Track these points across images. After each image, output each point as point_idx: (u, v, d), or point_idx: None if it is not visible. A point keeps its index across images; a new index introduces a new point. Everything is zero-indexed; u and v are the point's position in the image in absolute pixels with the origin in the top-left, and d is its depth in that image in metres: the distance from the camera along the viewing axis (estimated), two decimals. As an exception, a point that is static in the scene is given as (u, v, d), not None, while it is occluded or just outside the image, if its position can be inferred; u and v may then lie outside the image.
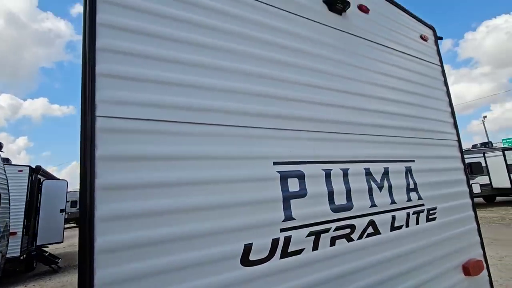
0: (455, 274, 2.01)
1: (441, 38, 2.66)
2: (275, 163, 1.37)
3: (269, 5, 1.56)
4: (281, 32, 1.57)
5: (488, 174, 13.32)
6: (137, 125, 1.07)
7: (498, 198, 14.94)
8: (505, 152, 13.15)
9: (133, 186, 1.02)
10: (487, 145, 15.92)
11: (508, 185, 12.79)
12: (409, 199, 1.88)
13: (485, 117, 34.45)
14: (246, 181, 1.26)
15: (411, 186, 1.93)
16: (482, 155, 13.67)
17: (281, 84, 1.49)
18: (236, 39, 1.39)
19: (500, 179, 13.02)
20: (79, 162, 0.96)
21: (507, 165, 12.85)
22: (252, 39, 1.44)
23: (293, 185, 1.40)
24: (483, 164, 13.26)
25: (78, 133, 0.97)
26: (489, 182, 13.23)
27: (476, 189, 12.47)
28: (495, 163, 13.22)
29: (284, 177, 1.37)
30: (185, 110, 1.18)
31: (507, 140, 30.48)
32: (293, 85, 1.54)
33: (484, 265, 2.22)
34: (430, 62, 2.48)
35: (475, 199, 2.49)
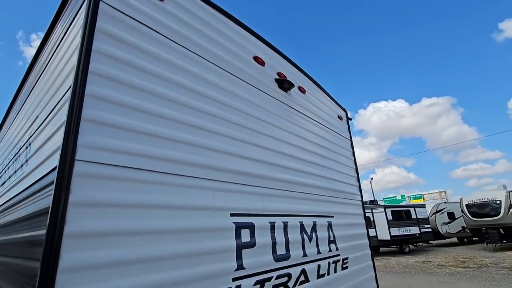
0: (361, 317, 2.37)
1: (351, 119, 3.45)
2: (232, 215, 1.51)
3: (237, 77, 1.85)
4: (243, 99, 1.85)
5: (375, 228, 15.86)
6: (115, 172, 1.09)
7: (382, 249, 17.67)
8: (386, 209, 16.12)
9: (102, 234, 1.01)
10: (374, 203, 19.22)
11: (388, 237, 15.47)
12: (330, 250, 2.23)
13: (372, 178, 42.10)
14: (208, 231, 1.35)
15: (331, 238, 2.31)
16: (371, 211, 16.34)
17: (239, 144, 1.72)
18: (213, 104, 1.59)
19: (383, 232, 15.65)
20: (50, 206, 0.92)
21: (387, 220, 15.68)
22: (225, 105, 1.67)
23: (245, 235, 1.55)
24: (371, 219, 15.83)
25: None
26: (375, 235, 15.66)
27: (367, 240, 14.59)
28: (379, 218, 15.96)
29: (238, 228, 1.52)
30: (161, 160, 1.26)
31: (386, 199, 37.52)
32: (248, 145, 1.78)
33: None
34: (344, 137, 3.16)
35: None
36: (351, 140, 3.29)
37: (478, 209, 15.49)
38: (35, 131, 1.52)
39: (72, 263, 0.90)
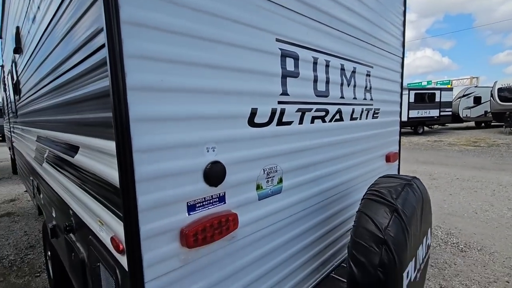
0: (381, 160, 2.62)
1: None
2: (277, 40, 1.42)
3: None
4: None
5: (394, 109, 15.95)
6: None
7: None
8: (410, 91, 15.69)
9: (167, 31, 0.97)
10: (398, 85, 18.61)
11: (405, 119, 15.74)
12: (365, 98, 2.24)
13: (400, 62, 39.55)
14: (255, 50, 1.30)
15: (368, 88, 2.27)
16: (393, 93, 16.01)
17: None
18: None
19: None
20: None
21: (408, 102, 15.53)
22: None
23: (290, 64, 1.51)
24: (392, 101, 15.74)
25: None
26: (393, 116, 15.90)
27: (383, 120, 15.09)
28: (401, 100, 15.78)
29: (283, 55, 1.46)
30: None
31: (411, 84, 36.22)
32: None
33: (398, 156, 2.93)
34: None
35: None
36: (405, -14, 2.76)
37: (510, 93, 14.73)
38: None
39: (132, 49, 0.90)
